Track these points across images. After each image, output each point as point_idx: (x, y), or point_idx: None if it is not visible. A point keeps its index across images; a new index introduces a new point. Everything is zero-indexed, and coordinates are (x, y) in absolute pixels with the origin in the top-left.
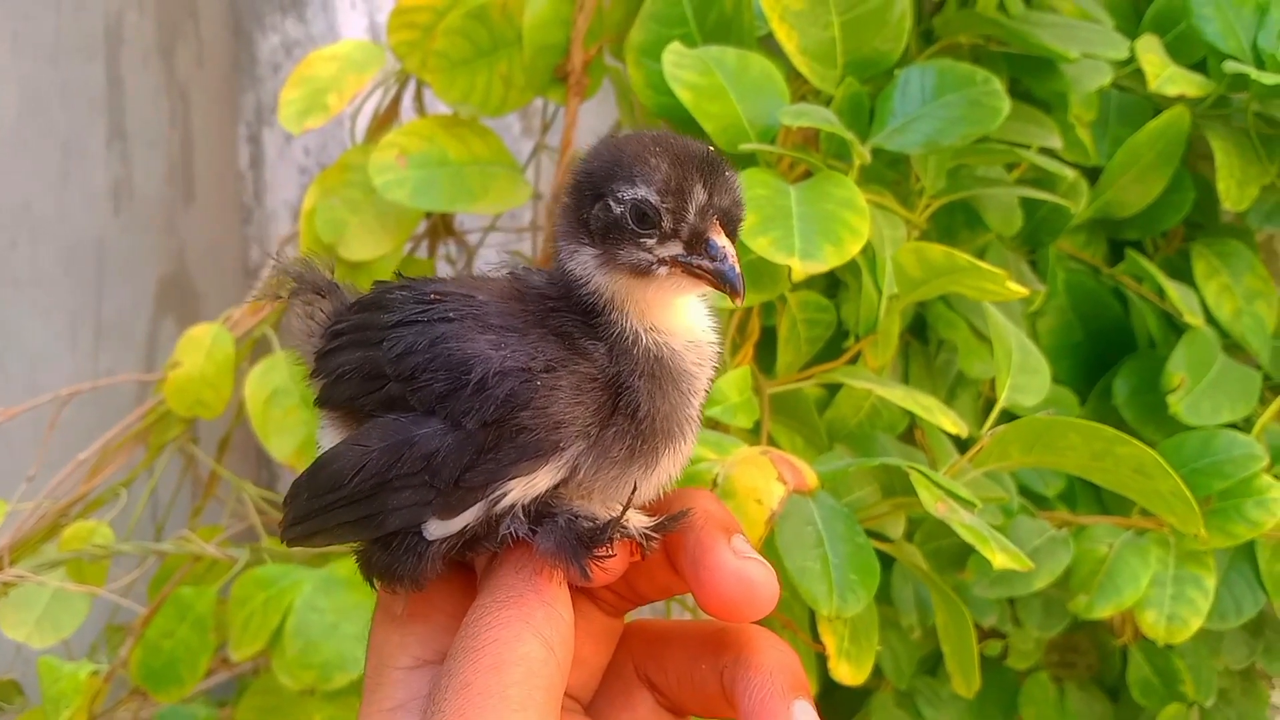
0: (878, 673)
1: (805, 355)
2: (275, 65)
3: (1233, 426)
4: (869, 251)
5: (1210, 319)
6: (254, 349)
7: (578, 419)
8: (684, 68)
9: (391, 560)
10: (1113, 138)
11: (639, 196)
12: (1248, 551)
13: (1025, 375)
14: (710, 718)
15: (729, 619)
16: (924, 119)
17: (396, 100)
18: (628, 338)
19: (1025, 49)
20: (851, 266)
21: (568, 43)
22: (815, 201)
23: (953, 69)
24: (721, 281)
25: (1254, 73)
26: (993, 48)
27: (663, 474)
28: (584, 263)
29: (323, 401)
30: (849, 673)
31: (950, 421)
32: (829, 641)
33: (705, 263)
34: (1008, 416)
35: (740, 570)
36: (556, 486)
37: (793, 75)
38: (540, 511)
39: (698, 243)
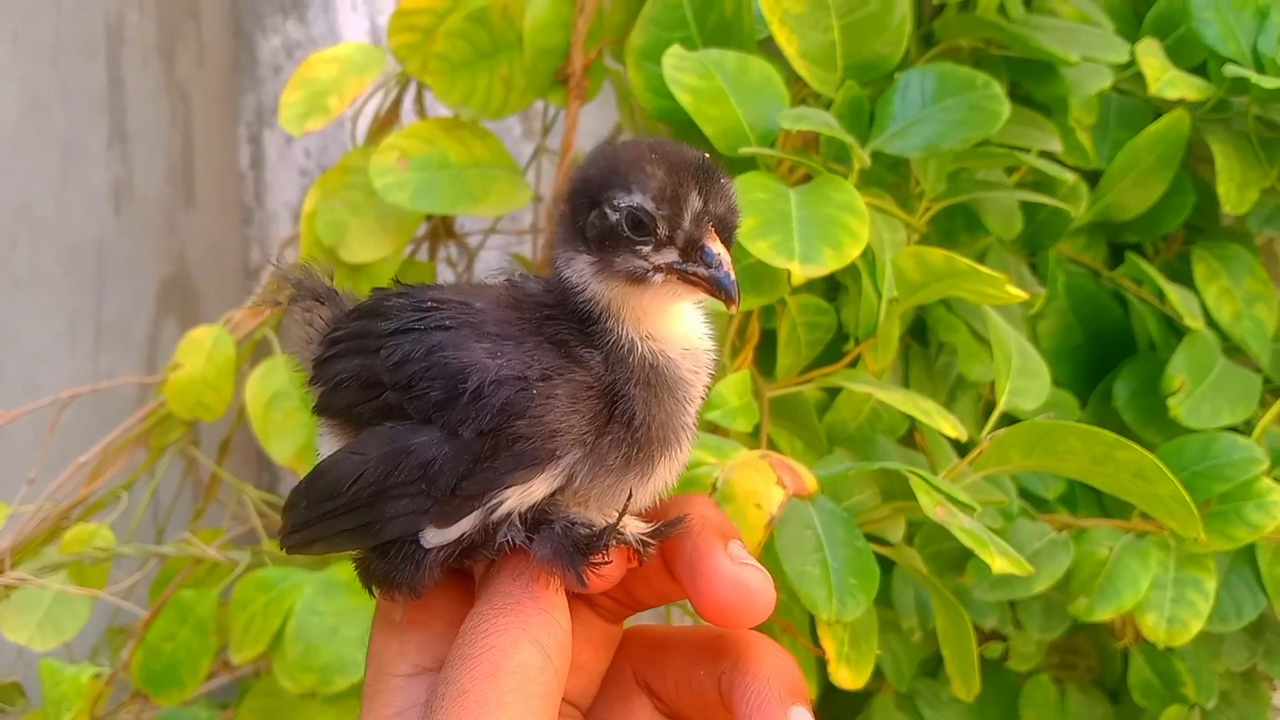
0: (878, 675)
1: (805, 359)
2: (276, 66)
3: (1233, 429)
4: (869, 255)
5: (1210, 322)
6: (255, 351)
7: (574, 427)
8: (684, 71)
9: (389, 568)
10: (1113, 141)
11: (634, 204)
12: (1248, 554)
13: (1025, 379)
14: None
15: (726, 625)
16: (924, 123)
17: (397, 103)
18: (623, 345)
19: (1025, 52)
20: (851, 270)
21: (568, 45)
22: (815, 205)
23: (953, 73)
24: (717, 289)
25: (1254, 76)
26: (993, 51)
27: (659, 481)
28: (580, 270)
29: (321, 409)
30: (849, 677)
31: (950, 425)
32: (829, 646)
33: (701, 270)
34: (1008, 420)
35: (737, 576)
36: (553, 494)
37: (793, 79)
38: (537, 519)
39: (693, 250)
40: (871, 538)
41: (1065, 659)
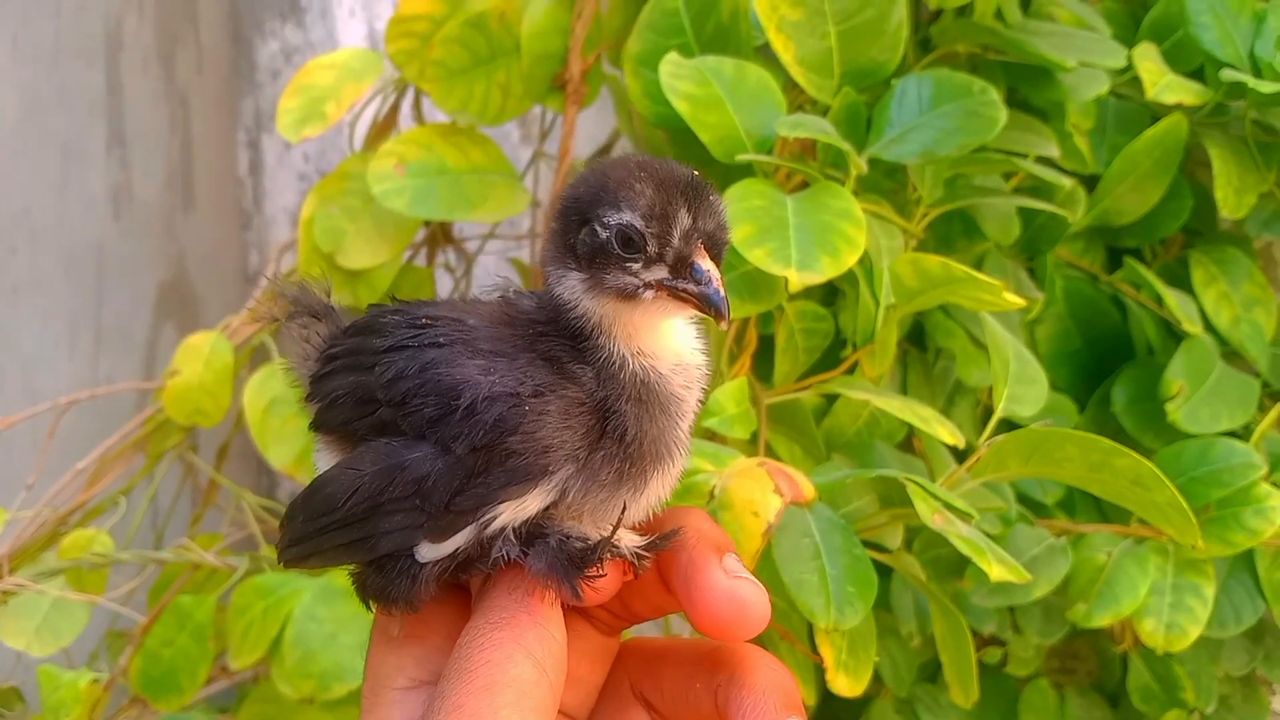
0: (877, 680)
1: (803, 365)
2: (275, 71)
3: (1231, 434)
4: (866, 262)
5: (1209, 326)
6: (253, 357)
7: (566, 443)
8: (681, 78)
9: (386, 583)
10: (1110, 146)
11: (624, 221)
12: (1247, 559)
13: (1023, 385)
14: None
15: (721, 638)
16: (921, 129)
17: (395, 108)
18: (615, 362)
19: (1022, 58)
20: (849, 276)
21: (566, 51)
22: (812, 212)
23: (950, 79)
24: (706, 305)
25: (1251, 81)
26: (990, 57)
27: (652, 495)
28: (571, 287)
29: (317, 425)
30: (847, 684)
31: (948, 432)
32: (827, 653)
33: (690, 286)
34: (1006, 426)
35: (732, 590)
36: (547, 509)
37: (789, 85)
38: (532, 533)
39: (683, 267)
40: (870, 544)
41: (1064, 664)
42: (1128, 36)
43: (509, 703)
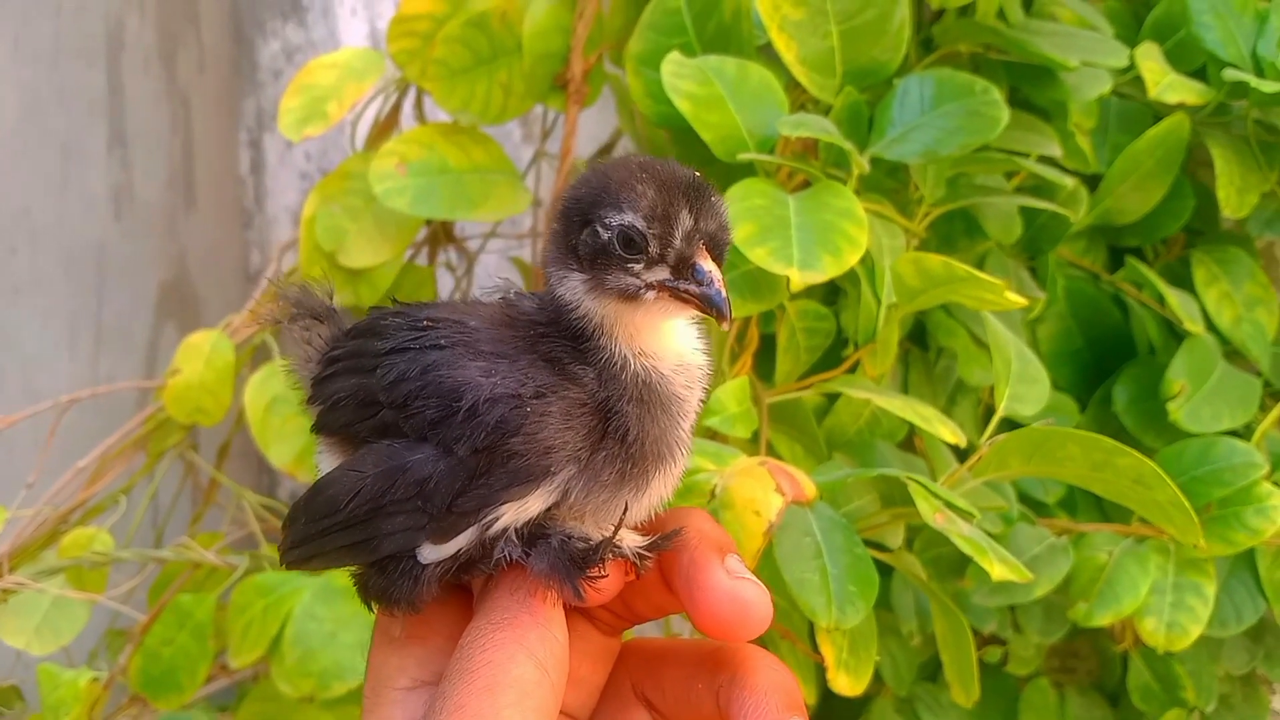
0: (877, 679)
1: (804, 364)
2: (276, 71)
3: (1233, 434)
4: (868, 261)
5: (1210, 326)
6: (254, 356)
7: (568, 444)
8: (683, 77)
9: (388, 584)
10: (1112, 145)
11: (625, 222)
12: (1248, 559)
13: (1024, 384)
14: None
15: (723, 638)
16: (923, 128)
17: (396, 108)
18: (616, 363)
19: (1024, 57)
20: (850, 275)
21: (567, 51)
22: (814, 211)
23: (952, 78)
24: (708, 306)
25: (1253, 80)
26: (992, 56)
27: (654, 495)
28: (573, 288)
29: (319, 428)
30: (848, 684)
31: (949, 431)
32: (828, 653)
33: (692, 287)
34: (1007, 425)
35: (734, 590)
36: (549, 510)
37: (791, 85)
38: (534, 534)
39: (684, 267)
40: (870, 543)
41: (1065, 663)
42: (1130, 36)
43: (511, 703)
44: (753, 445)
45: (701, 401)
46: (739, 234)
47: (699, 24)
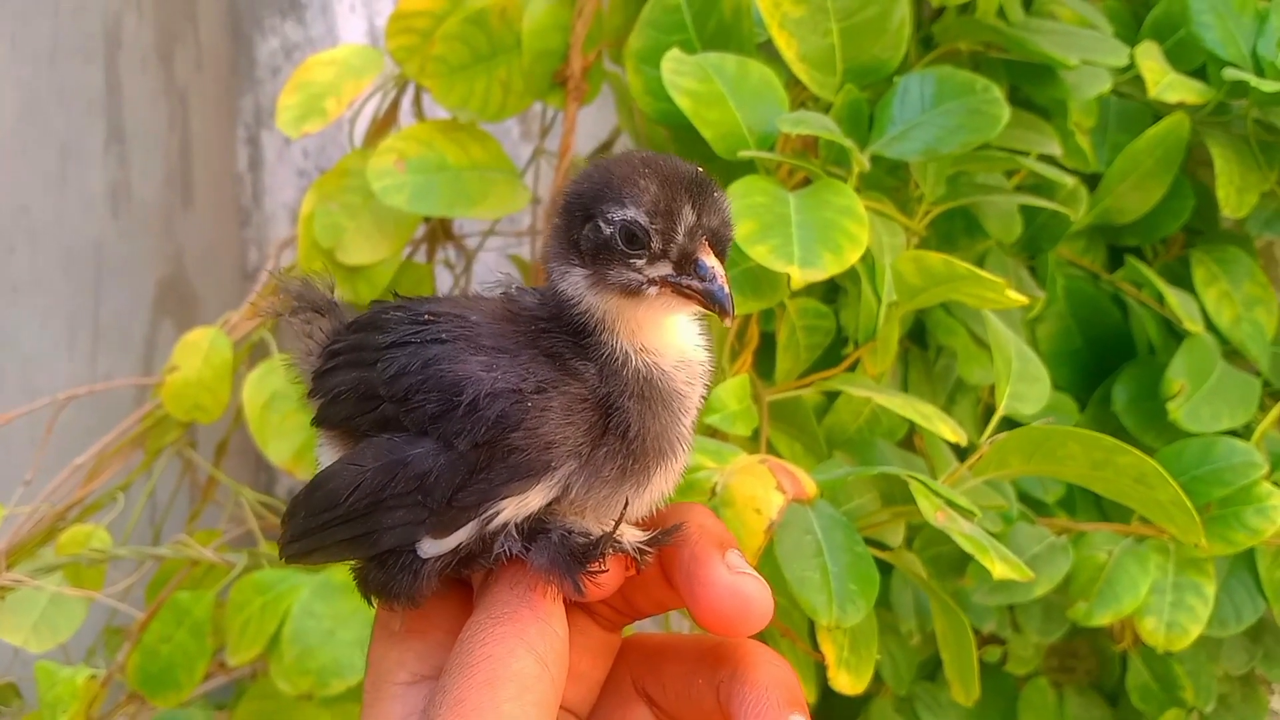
0: (877, 678)
1: (804, 362)
2: (274, 68)
3: (1232, 433)
4: (868, 259)
5: (1210, 325)
6: (252, 353)
7: (569, 439)
8: (683, 74)
9: (388, 578)
10: (1112, 144)
11: (628, 217)
12: (1248, 558)
13: (1025, 383)
14: None
15: (724, 634)
16: (923, 126)
17: (395, 105)
18: (618, 359)
19: (1025, 56)
20: (851, 273)
21: (566, 48)
22: (814, 209)
23: (952, 76)
24: (711, 301)
25: (1253, 80)
26: (992, 54)
27: (655, 491)
28: (575, 283)
29: (320, 421)
30: (848, 682)
31: (949, 430)
32: (828, 651)
33: (694, 283)
34: (1007, 424)
35: (734, 586)
36: (550, 504)
37: (792, 82)
38: (534, 528)
39: (687, 263)
40: (871, 542)
41: (1064, 662)
42: (1130, 35)
43: (510, 697)
44: (753, 443)
45: (703, 398)
46: (739, 232)
47: (699, 21)
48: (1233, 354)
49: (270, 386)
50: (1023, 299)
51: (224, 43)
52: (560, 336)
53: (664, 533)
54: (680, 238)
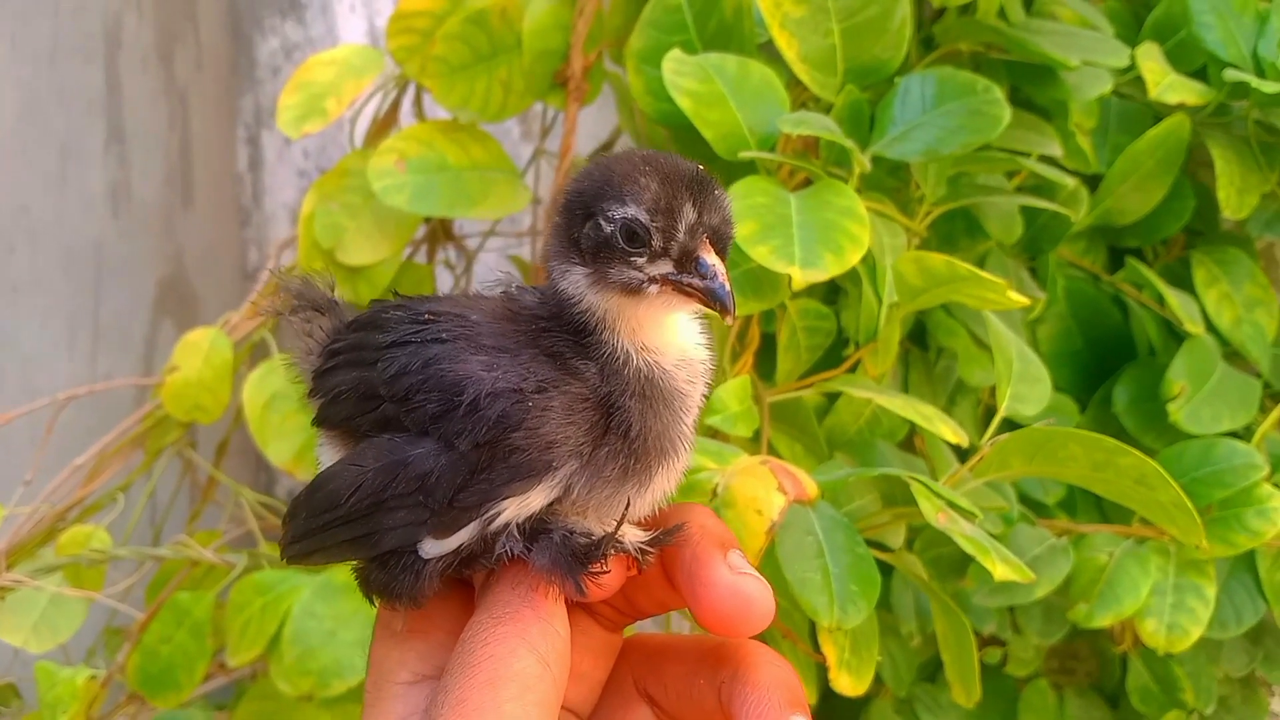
0: (877, 680)
1: (805, 363)
2: (274, 68)
3: (1233, 435)
4: (869, 260)
5: (1210, 327)
6: (252, 353)
7: (570, 439)
8: (684, 75)
9: (389, 579)
10: (1113, 145)
11: (629, 215)
12: (1248, 560)
13: (1026, 384)
14: None
15: (725, 634)
16: (924, 127)
17: (395, 105)
18: (619, 358)
19: (1025, 56)
20: (851, 274)
21: (567, 48)
22: (815, 210)
23: (953, 77)
24: (712, 299)
25: (1254, 81)
26: (993, 55)
27: (657, 491)
28: (575, 282)
29: (320, 421)
30: (849, 684)
31: (950, 431)
32: (830, 652)
33: (696, 281)
34: (1008, 425)
35: (736, 586)
36: (551, 504)
37: (793, 83)
38: (536, 529)
39: (688, 261)
40: (871, 543)
41: (1064, 664)
42: (1130, 36)
43: (512, 697)
44: (754, 444)
45: (704, 396)
46: (740, 232)
47: (700, 21)
48: (1233, 355)
49: (270, 387)
50: (1024, 300)
51: (224, 42)
52: (561, 336)
53: (666, 533)
54: (681, 236)
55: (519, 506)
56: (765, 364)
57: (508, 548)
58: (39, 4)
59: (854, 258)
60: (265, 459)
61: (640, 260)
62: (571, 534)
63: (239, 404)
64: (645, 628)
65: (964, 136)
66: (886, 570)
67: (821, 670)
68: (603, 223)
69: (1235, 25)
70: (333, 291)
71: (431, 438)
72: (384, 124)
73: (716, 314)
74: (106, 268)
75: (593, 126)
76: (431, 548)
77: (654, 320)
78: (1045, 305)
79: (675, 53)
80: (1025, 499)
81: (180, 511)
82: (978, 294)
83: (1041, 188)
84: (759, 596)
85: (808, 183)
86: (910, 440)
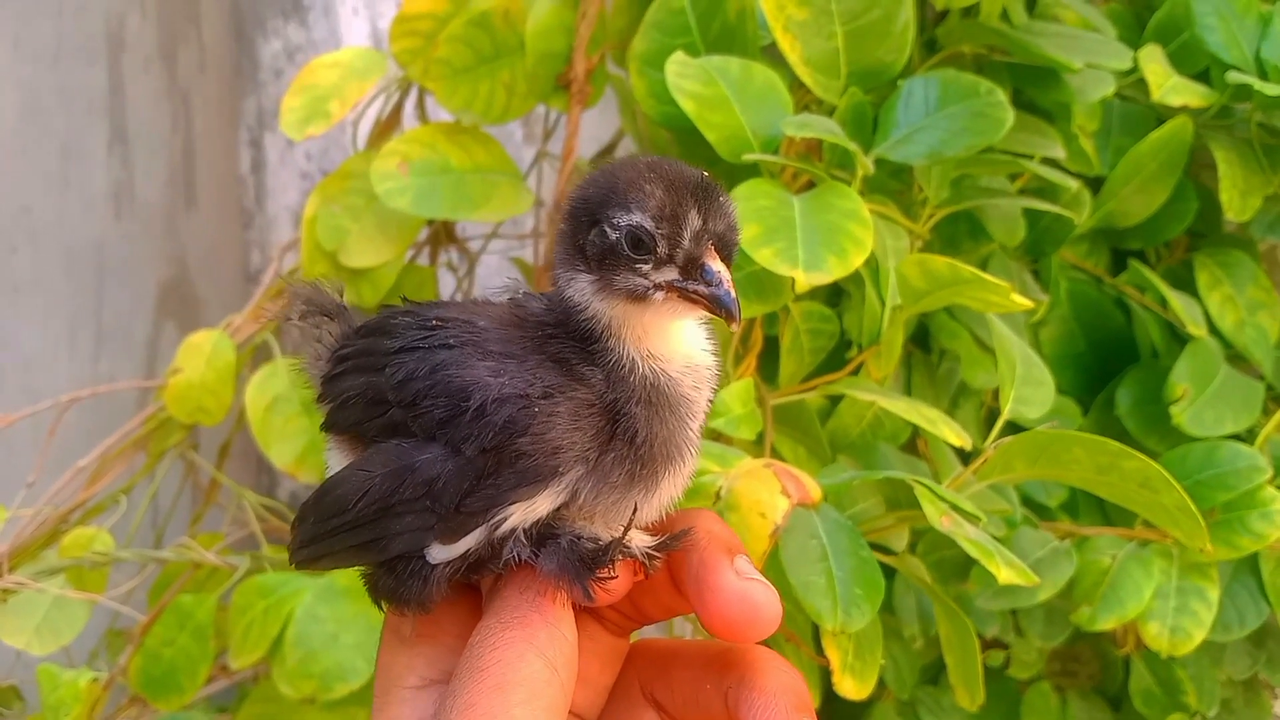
0: (879, 683)
1: (808, 366)
2: (277, 70)
3: (1236, 438)
4: (872, 262)
5: (1213, 329)
6: (255, 355)
7: (576, 444)
8: (687, 77)
9: (397, 584)
10: (1115, 148)
11: (634, 223)
12: (1251, 563)
13: (1029, 387)
14: None
15: (732, 639)
16: (927, 130)
17: (398, 107)
18: (625, 364)
19: (1028, 59)
20: (855, 277)
21: (570, 50)
22: (819, 212)
23: (956, 80)
24: (717, 306)
25: (1257, 83)
26: (996, 58)
27: (664, 496)
28: (581, 289)
29: (328, 426)
30: (853, 687)
31: (953, 434)
32: (833, 656)
33: (701, 288)
34: (1012, 428)
35: (743, 591)
36: (558, 510)
37: (796, 85)
38: (543, 534)
39: (693, 268)
40: (875, 546)
41: (1066, 667)
42: (1133, 38)
43: (520, 701)
44: (757, 447)
45: (710, 402)
46: (744, 235)
47: (703, 24)
48: (1236, 358)
49: (273, 389)
50: (1027, 303)
51: (227, 44)
52: (567, 342)
53: (672, 538)
54: (686, 243)
55: (525, 512)
56: (768, 366)
57: (515, 553)
58: (41, 4)
59: (857, 260)
60: (267, 461)
61: (646, 267)
62: (579, 539)
63: (241, 406)
64: (649, 633)
65: (967, 139)
66: (889, 573)
67: (824, 673)
68: (608, 230)
69: (1238, 27)
70: (341, 296)
71: (439, 443)
72: (387, 126)
73: (722, 320)
74: (108, 269)
75: (595, 129)
76: (439, 553)
77: (660, 327)
78: (1048, 308)
79: (678, 55)
80: (1028, 501)
81: (182, 514)
82: (981, 296)
83: (1044, 190)
84: (766, 602)
85: (811, 185)
86: (913, 443)
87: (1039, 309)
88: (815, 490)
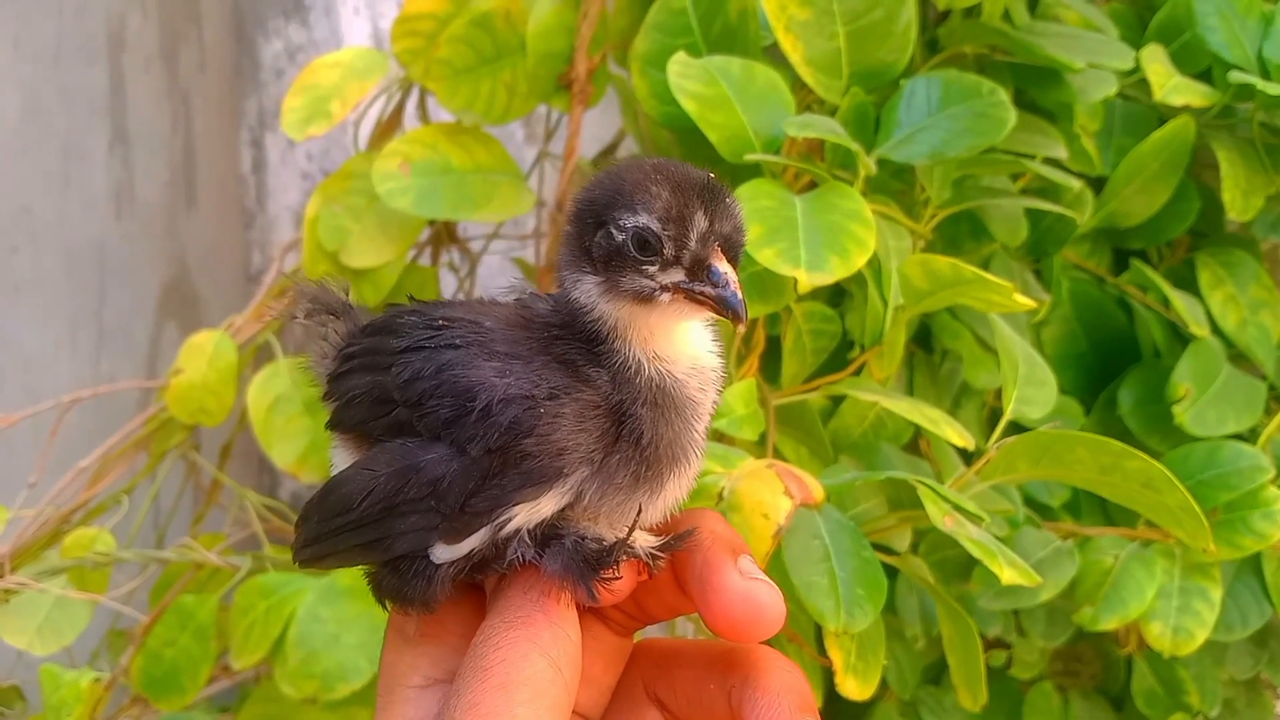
0: (882, 683)
1: (810, 366)
2: (278, 70)
3: (1238, 437)
4: (874, 263)
5: (1215, 329)
6: (256, 356)
7: (581, 445)
8: (689, 78)
9: (401, 583)
10: (1117, 147)
11: (640, 224)
12: (1254, 563)
13: (1032, 387)
14: None
15: (736, 639)
16: (930, 130)
17: (400, 108)
18: (630, 366)
19: (1030, 59)
20: (857, 277)
21: (571, 50)
22: (821, 212)
23: (958, 80)
24: (724, 308)
25: (1259, 83)
26: (998, 58)
27: (669, 498)
28: (587, 291)
29: (334, 424)
30: (856, 688)
31: (956, 434)
32: (836, 656)
33: (707, 289)
34: (1014, 428)
35: (747, 591)
36: (563, 510)
37: (798, 85)
38: (547, 534)
39: (700, 269)
40: (877, 546)
41: (1069, 667)
42: (1135, 38)
43: (524, 700)
44: (759, 447)
45: (715, 403)
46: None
47: (705, 24)
48: (1238, 357)
49: (275, 389)
50: (1029, 303)
51: (228, 44)
52: (573, 343)
53: (676, 538)
54: (693, 244)
55: (530, 512)
56: (770, 367)
57: (519, 553)
58: (42, 4)
59: (859, 260)
60: (269, 461)
61: (652, 269)
62: (583, 540)
63: (243, 407)
64: (652, 633)
65: (969, 139)
66: (892, 573)
67: (826, 674)
68: (614, 231)
69: (1240, 27)
70: (347, 295)
71: (444, 443)
72: (388, 127)
73: (728, 321)
74: (109, 269)
75: (597, 129)
76: (443, 553)
77: (665, 328)
78: (1050, 308)
79: (680, 55)
80: (1030, 501)
81: (184, 514)
82: (983, 296)
83: (1046, 190)
84: (770, 602)
85: (813, 185)
86: (915, 443)
87: (1041, 309)
88: (818, 490)
